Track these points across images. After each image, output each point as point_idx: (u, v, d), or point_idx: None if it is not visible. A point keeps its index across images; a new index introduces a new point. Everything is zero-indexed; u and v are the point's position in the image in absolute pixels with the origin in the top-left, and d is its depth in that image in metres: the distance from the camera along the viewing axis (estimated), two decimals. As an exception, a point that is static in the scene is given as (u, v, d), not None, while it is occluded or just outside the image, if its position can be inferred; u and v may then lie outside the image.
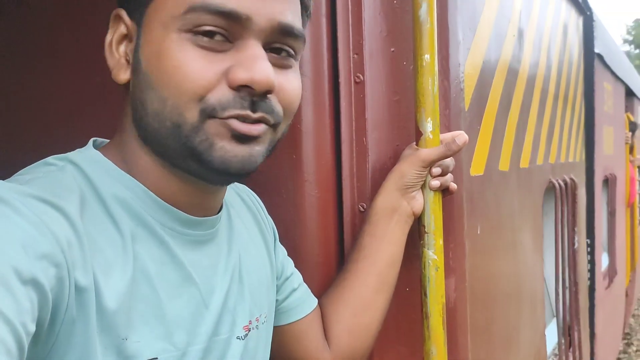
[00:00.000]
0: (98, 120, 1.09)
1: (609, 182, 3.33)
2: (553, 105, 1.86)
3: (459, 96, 1.10)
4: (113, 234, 0.62)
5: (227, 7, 0.59)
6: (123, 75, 0.65)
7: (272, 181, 1.00)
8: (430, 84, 0.94)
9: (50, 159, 0.66)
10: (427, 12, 0.93)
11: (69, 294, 0.54)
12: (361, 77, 1.03)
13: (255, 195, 0.92)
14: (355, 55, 1.03)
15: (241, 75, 0.60)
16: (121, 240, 0.62)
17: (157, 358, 0.62)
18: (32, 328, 0.49)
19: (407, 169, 0.94)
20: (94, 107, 1.12)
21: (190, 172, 0.65)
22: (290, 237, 0.98)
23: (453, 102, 1.08)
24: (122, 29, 0.65)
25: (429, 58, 0.94)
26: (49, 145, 1.21)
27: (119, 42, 0.66)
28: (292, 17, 0.65)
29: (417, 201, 0.96)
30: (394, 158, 1.03)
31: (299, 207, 0.99)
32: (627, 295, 4.54)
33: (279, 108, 0.65)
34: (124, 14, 0.65)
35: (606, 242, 3.35)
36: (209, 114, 0.60)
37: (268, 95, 0.63)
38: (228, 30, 0.61)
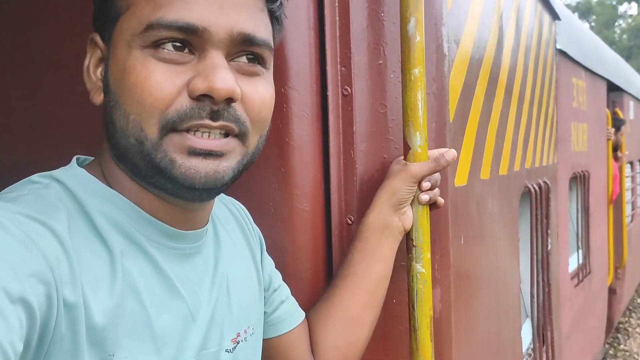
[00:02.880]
0: (78, 127, 1.07)
1: (580, 180, 3.35)
2: (529, 110, 1.90)
3: (444, 109, 1.11)
4: (101, 251, 0.61)
5: (182, 22, 0.60)
6: (98, 97, 0.66)
7: (260, 194, 0.99)
8: (419, 98, 0.94)
9: (34, 177, 0.65)
10: (416, 27, 0.94)
11: (57, 311, 0.54)
12: (349, 89, 1.03)
13: (242, 206, 0.92)
14: (342, 68, 1.03)
15: (200, 85, 0.60)
16: (109, 256, 0.62)
17: None
18: (20, 347, 0.49)
19: (399, 185, 0.95)
20: (76, 116, 1.09)
21: (161, 188, 0.65)
22: (278, 250, 0.97)
23: (439, 115, 1.09)
24: (98, 53, 0.67)
25: (418, 72, 0.94)
26: (27, 153, 1.18)
27: (96, 66, 0.68)
28: (254, 26, 0.64)
29: (408, 216, 0.96)
30: (382, 170, 1.04)
31: (286, 220, 0.99)
32: (614, 292, 4.50)
33: (244, 117, 0.65)
34: (97, 37, 0.67)
35: (578, 240, 3.36)
36: (169, 127, 0.60)
37: (232, 104, 0.63)
38: (190, 43, 0.61)
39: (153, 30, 0.60)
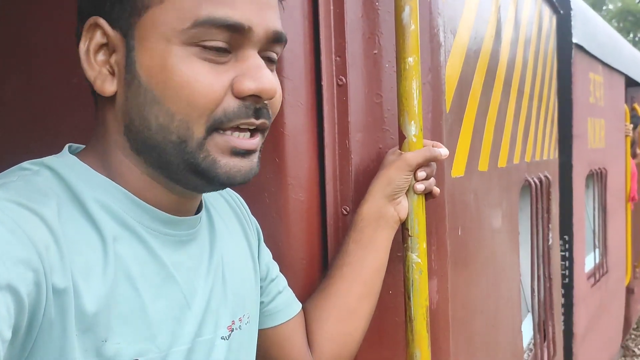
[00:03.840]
0: (74, 121, 1.07)
1: (597, 178, 3.28)
2: (529, 104, 1.89)
3: (440, 99, 1.10)
4: (93, 237, 0.61)
5: (231, 20, 0.60)
6: (109, 86, 0.64)
7: (254, 185, 0.98)
8: (413, 87, 0.94)
9: (25, 164, 0.65)
10: (410, 15, 0.93)
11: (46, 298, 0.54)
12: (344, 79, 1.02)
13: (239, 196, 0.91)
14: (337, 58, 1.02)
15: (250, 86, 0.62)
16: (101, 242, 0.61)
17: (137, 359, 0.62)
18: (8, 335, 0.49)
19: (394, 174, 0.94)
20: (69, 107, 1.09)
21: (187, 185, 0.67)
22: (273, 240, 0.97)
23: (435, 105, 1.08)
24: (100, 38, 0.64)
25: (413, 61, 0.93)
26: (23, 146, 1.18)
27: (96, 52, 0.64)
28: (280, 24, 0.67)
29: (403, 206, 0.96)
30: (377, 160, 1.03)
31: (282, 210, 0.99)
32: (632, 292, 4.38)
33: (271, 113, 0.68)
34: (103, 22, 0.63)
35: (595, 239, 3.28)
36: (215, 127, 0.62)
37: (267, 102, 0.66)
38: (229, 42, 0.62)
39: (202, 27, 0.60)
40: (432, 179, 0.99)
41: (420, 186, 0.95)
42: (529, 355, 1.95)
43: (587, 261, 3.02)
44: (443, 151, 0.97)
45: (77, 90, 1.05)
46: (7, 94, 1.19)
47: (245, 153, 0.65)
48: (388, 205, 0.95)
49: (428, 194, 0.99)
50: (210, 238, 0.77)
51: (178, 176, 0.65)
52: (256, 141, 0.66)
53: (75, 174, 0.64)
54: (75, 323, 0.56)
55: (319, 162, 1.02)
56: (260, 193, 0.98)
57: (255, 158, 0.67)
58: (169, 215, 0.68)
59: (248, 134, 0.65)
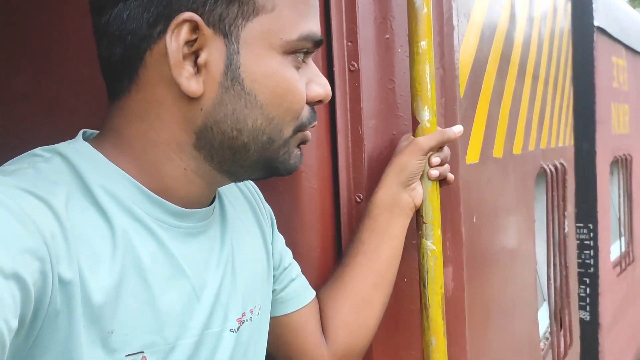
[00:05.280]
0: (85, 111, 1.07)
1: (622, 164, 3.21)
2: (544, 89, 1.86)
3: (454, 84, 1.09)
4: (102, 227, 0.60)
5: (318, 36, 0.67)
6: (195, 86, 0.62)
7: (266, 173, 0.98)
8: (426, 71, 0.92)
9: (37, 150, 0.64)
10: (423, -2, 0.91)
11: (52, 288, 0.53)
12: (356, 65, 1.01)
13: (253, 183, 0.91)
14: (349, 43, 1.01)
15: (320, 92, 0.69)
16: (110, 232, 0.61)
17: (142, 352, 0.61)
18: (15, 324, 0.48)
19: (408, 159, 0.93)
20: (79, 100, 1.09)
21: (241, 177, 0.73)
22: (286, 229, 0.96)
23: (449, 90, 1.07)
24: (188, 35, 0.60)
25: (426, 45, 0.92)
26: (34, 138, 1.18)
27: (181, 49, 0.61)
28: None
29: (418, 192, 0.95)
30: (391, 147, 1.02)
31: (295, 198, 0.98)
32: None
33: None
34: (199, 20, 0.60)
35: (621, 227, 3.19)
36: (299, 128, 0.68)
37: None
38: None
39: (304, 41, 0.65)
40: (447, 165, 0.97)
41: (434, 172, 0.94)
42: (545, 344, 1.94)
43: (613, 250, 2.95)
44: (456, 129, 0.96)
45: (88, 82, 1.05)
46: (20, 86, 1.19)
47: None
48: (402, 192, 0.94)
49: (442, 181, 0.97)
50: (222, 229, 0.76)
51: (242, 170, 0.69)
52: None
53: (85, 162, 0.63)
54: (82, 314, 0.56)
55: (332, 149, 1.01)
56: (273, 181, 0.97)
57: None
58: (180, 208, 0.67)
59: None
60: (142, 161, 0.65)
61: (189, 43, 0.61)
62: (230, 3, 0.61)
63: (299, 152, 0.71)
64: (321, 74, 0.69)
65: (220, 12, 0.61)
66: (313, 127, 0.71)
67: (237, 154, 0.66)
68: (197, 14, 0.60)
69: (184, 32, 0.60)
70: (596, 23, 2.51)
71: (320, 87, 0.68)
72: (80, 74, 1.07)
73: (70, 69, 1.10)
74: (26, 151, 0.65)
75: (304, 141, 0.71)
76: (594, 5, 2.49)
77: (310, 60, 0.69)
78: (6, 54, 1.20)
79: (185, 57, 0.61)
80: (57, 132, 0.75)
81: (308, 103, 0.68)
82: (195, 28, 0.60)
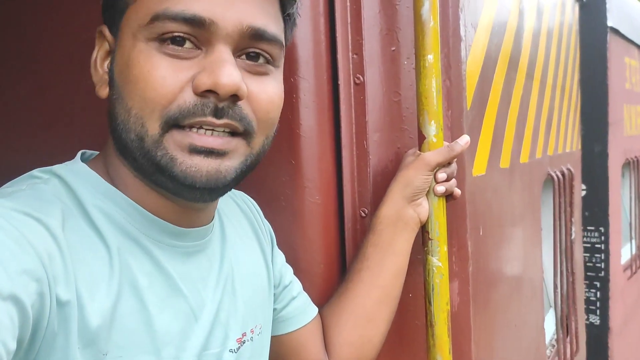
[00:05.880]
0: (88, 123, 1.05)
1: (633, 166, 3.17)
2: (551, 94, 1.84)
3: (460, 95, 1.07)
4: (98, 247, 0.60)
5: (189, 13, 0.58)
6: (103, 90, 0.65)
7: (270, 188, 0.96)
8: (433, 85, 0.90)
9: (35, 171, 0.64)
10: (430, 11, 0.90)
11: (50, 309, 0.53)
12: (361, 78, 0.99)
13: (252, 200, 0.90)
14: (354, 56, 0.99)
15: (205, 80, 0.58)
16: (107, 253, 0.60)
17: None
18: (13, 346, 0.48)
19: (414, 175, 0.91)
20: (84, 110, 1.08)
21: (163, 186, 0.63)
22: (290, 244, 0.95)
23: (455, 102, 1.05)
24: (105, 45, 0.66)
25: (432, 58, 0.90)
26: (36, 148, 1.17)
27: (103, 59, 0.66)
28: (265, 20, 0.62)
29: (424, 208, 0.93)
30: (396, 161, 1.00)
31: (298, 213, 0.96)
32: None
33: (251, 116, 0.63)
34: (105, 30, 0.65)
35: (632, 230, 3.15)
36: (171, 124, 0.59)
37: (238, 103, 0.61)
38: (196, 37, 0.59)
39: (158, 21, 0.58)
40: (453, 180, 0.96)
41: (440, 188, 0.93)
42: (551, 351, 1.92)
43: (623, 253, 2.93)
44: (463, 140, 0.94)
45: (89, 93, 1.04)
46: (21, 97, 1.18)
47: (208, 152, 0.60)
48: (407, 207, 0.92)
49: (449, 196, 0.96)
50: (221, 247, 0.75)
51: (148, 175, 0.63)
52: (221, 141, 0.61)
53: (82, 183, 0.63)
54: (78, 336, 0.55)
55: (336, 163, 1.00)
56: (276, 196, 0.96)
57: (227, 162, 0.61)
58: (175, 227, 0.67)
59: (210, 132, 0.60)
60: (116, 177, 0.66)
61: (110, 52, 0.65)
62: (111, 6, 0.64)
63: (197, 163, 0.59)
64: (224, 63, 0.59)
65: (109, 17, 0.64)
66: (207, 124, 0.59)
67: (130, 156, 0.62)
68: (107, 25, 0.65)
69: (104, 44, 0.66)
70: (609, 23, 2.48)
71: (208, 76, 0.58)
72: (86, 84, 1.05)
73: (72, 80, 1.09)
74: (26, 161, 0.65)
75: (194, 147, 0.59)
76: (607, 6, 2.46)
77: (214, 49, 0.59)
78: (8, 64, 1.19)
79: (98, 66, 0.66)
80: (57, 143, 0.74)
81: (196, 93, 0.59)
82: (103, 37, 0.65)
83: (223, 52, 0.59)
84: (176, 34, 0.58)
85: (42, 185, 0.61)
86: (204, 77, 0.58)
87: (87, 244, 0.59)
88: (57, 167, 0.65)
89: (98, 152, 0.70)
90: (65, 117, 1.13)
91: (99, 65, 0.66)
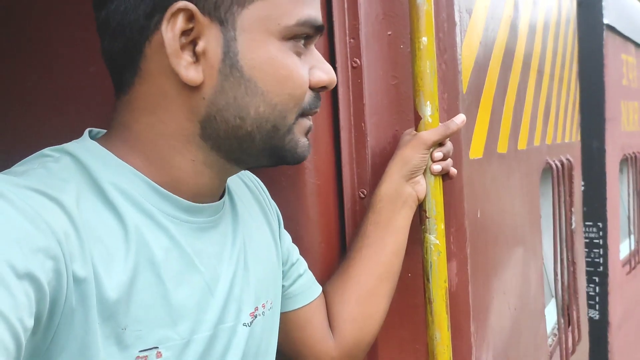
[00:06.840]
0: (92, 109, 1.08)
1: (631, 162, 3.19)
2: (549, 84, 1.86)
3: (456, 79, 1.09)
4: (113, 223, 0.61)
5: (319, 21, 0.68)
6: (194, 75, 0.62)
7: (271, 169, 0.98)
8: (428, 67, 0.93)
9: (46, 150, 0.65)
10: (424, -6, 0.92)
11: (67, 286, 0.54)
12: (358, 61, 1.01)
13: (259, 180, 0.91)
14: (351, 40, 1.01)
15: (324, 78, 0.69)
16: (122, 229, 0.61)
17: (157, 347, 0.61)
18: (30, 323, 0.49)
19: (411, 153, 0.94)
20: (87, 97, 1.10)
21: (250, 164, 0.72)
22: (291, 225, 0.97)
23: (451, 85, 1.07)
24: (183, 24, 0.61)
25: (427, 41, 0.92)
26: (42, 137, 1.19)
27: (177, 38, 0.61)
28: None
29: (421, 186, 0.95)
30: (394, 143, 1.02)
31: (299, 195, 0.99)
32: None
33: None
34: (194, 8, 0.61)
35: (630, 225, 3.16)
36: (302, 114, 0.69)
37: None
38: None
39: (302, 26, 0.65)
40: (449, 160, 0.98)
41: (437, 167, 0.95)
42: (553, 340, 1.93)
43: (622, 248, 2.93)
44: (458, 119, 0.96)
45: (94, 80, 1.06)
46: (27, 87, 1.21)
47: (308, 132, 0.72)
48: (406, 185, 0.94)
49: (445, 175, 0.98)
50: (233, 224, 0.77)
51: (250, 158, 0.70)
52: None
53: (95, 160, 0.63)
54: (97, 311, 0.56)
55: (335, 145, 1.02)
56: (276, 178, 0.98)
57: None
58: (191, 203, 0.68)
59: None
60: (151, 155, 0.66)
61: (186, 32, 0.62)
62: None
63: (307, 142, 0.71)
64: (325, 61, 0.70)
65: (214, 0, 0.62)
66: (315, 113, 0.71)
67: (243, 143, 0.67)
68: (192, 2, 0.61)
69: (180, 22, 0.60)
70: (606, 21, 2.50)
71: (324, 73, 0.69)
72: (86, 72, 1.08)
73: (76, 67, 1.12)
74: (33, 150, 0.65)
75: (308, 130, 0.71)
76: (603, 3, 2.48)
77: (313, 47, 0.69)
78: (12, 52, 1.21)
79: (183, 46, 0.62)
80: (64, 130, 0.76)
81: (312, 89, 0.68)
82: (190, 17, 0.61)
83: (316, 50, 0.70)
84: (306, 36, 0.67)
85: (54, 164, 0.61)
86: (322, 74, 0.69)
87: (102, 220, 0.60)
88: (68, 145, 0.65)
89: (105, 130, 0.71)
90: (70, 105, 1.15)
91: (179, 47, 0.61)
